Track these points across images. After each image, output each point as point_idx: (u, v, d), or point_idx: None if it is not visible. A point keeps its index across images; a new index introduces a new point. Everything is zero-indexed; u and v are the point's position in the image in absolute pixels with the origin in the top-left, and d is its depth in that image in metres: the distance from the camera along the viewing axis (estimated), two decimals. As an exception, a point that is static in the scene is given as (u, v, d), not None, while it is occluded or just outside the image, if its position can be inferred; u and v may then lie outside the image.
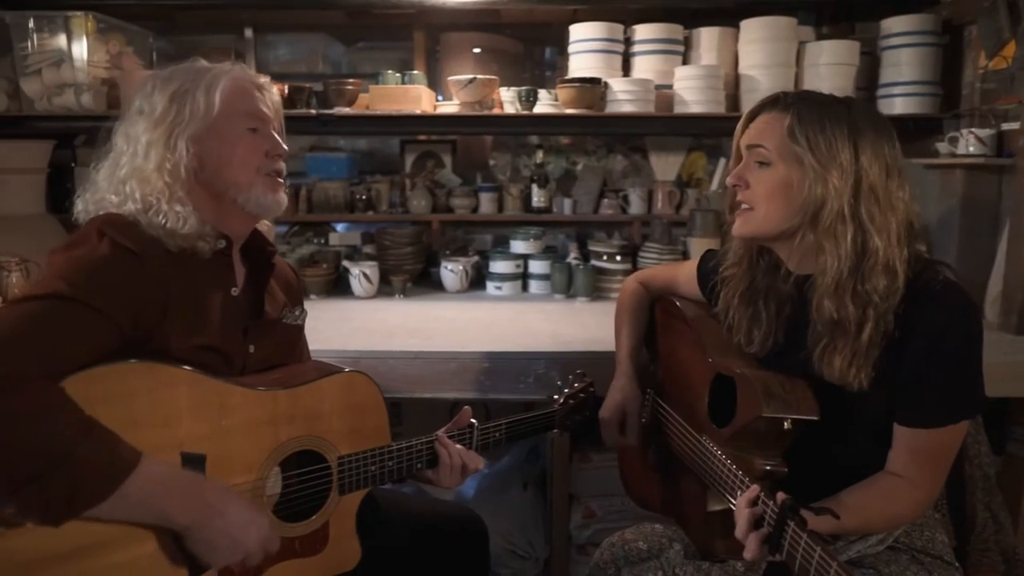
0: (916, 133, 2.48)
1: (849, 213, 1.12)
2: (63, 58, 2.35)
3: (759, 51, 2.48)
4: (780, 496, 1.04)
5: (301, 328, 1.45)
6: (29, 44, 2.36)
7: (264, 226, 1.39)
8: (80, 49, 2.35)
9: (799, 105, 1.16)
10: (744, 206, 1.22)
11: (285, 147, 1.28)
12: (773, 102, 1.21)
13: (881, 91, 2.53)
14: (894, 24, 2.46)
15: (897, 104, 2.47)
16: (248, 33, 2.90)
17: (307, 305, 1.48)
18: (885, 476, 1.17)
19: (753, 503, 1.08)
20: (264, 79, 1.30)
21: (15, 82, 2.38)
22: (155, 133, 1.17)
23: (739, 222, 1.23)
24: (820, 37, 2.64)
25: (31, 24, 2.34)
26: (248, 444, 1.15)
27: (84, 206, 1.19)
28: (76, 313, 1.00)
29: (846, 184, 1.12)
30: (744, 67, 2.53)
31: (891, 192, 1.13)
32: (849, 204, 1.12)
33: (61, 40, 2.35)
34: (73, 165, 2.71)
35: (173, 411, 1.07)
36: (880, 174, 1.13)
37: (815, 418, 1.15)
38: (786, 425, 1.15)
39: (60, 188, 2.68)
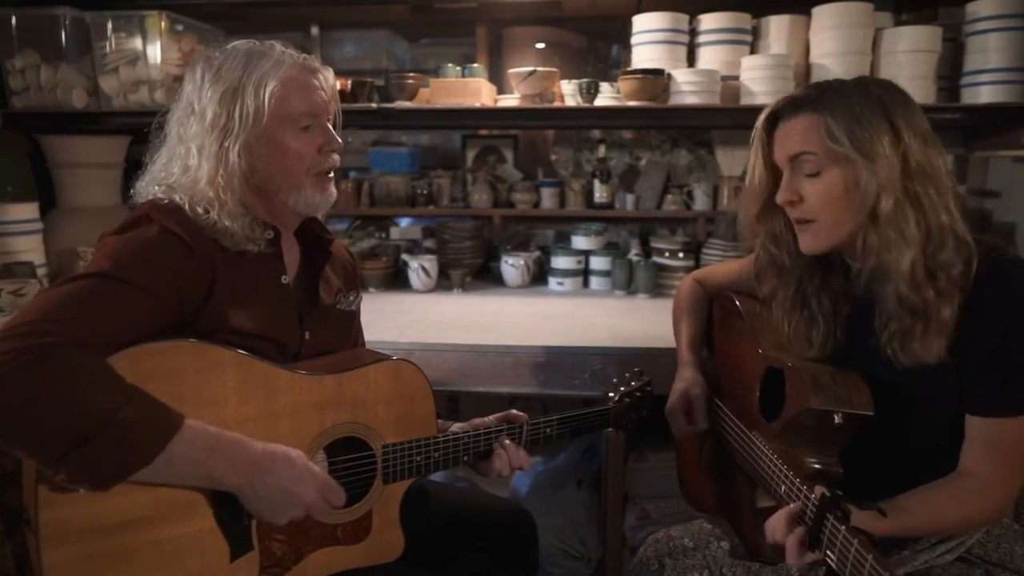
0: (1004, 124, 2.32)
1: (906, 197, 1.07)
2: (138, 56, 2.44)
3: (832, 39, 2.36)
4: (818, 489, 0.97)
5: (355, 314, 1.45)
6: (107, 44, 2.45)
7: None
8: (154, 47, 2.44)
9: (826, 101, 1.10)
10: (804, 221, 1.16)
11: (339, 141, 1.26)
12: (796, 106, 1.13)
13: (965, 80, 2.37)
14: (981, 7, 2.30)
15: (983, 93, 2.31)
16: (314, 30, 2.96)
17: (366, 298, 1.49)
18: (957, 475, 1.09)
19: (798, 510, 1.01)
20: (316, 62, 1.25)
21: (94, 80, 2.49)
22: (208, 139, 1.16)
23: (806, 239, 1.17)
24: (899, 23, 2.50)
25: (109, 24, 2.44)
26: (293, 428, 1.15)
27: (141, 194, 1.22)
28: (119, 290, 1.02)
29: (895, 169, 1.06)
30: (816, 56, 2.41)
31: (933, 163, 1.08)
32: (904, 188, 1.07)
33: (137, 39, 2.44)
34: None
35: (220, 391, 1.09)
36: (921, 147, 1.08)
37: (869, 413, 1.09)
38: (836, 420, 1.09)
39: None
